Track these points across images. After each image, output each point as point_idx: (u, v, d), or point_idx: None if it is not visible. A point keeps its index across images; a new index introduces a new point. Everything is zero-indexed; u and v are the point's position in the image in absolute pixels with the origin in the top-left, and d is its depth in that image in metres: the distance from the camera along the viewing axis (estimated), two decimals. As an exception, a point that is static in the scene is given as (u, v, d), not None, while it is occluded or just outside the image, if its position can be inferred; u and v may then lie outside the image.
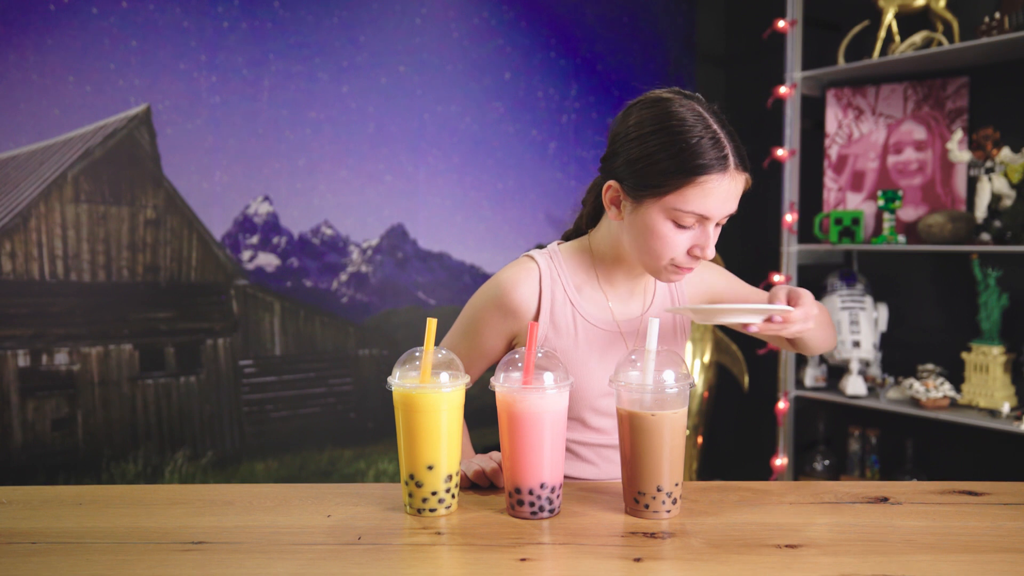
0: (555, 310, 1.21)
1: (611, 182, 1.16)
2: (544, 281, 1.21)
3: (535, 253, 1.25)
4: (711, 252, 1.12)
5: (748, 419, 3.09)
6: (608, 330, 1.23)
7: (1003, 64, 2.44)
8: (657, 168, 1.09)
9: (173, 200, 2.28)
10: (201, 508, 1.03)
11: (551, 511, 0.99)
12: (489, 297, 1.23)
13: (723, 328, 3.00)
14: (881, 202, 2.60)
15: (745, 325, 1.09)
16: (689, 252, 1.12)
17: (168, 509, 1.02)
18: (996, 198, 2.34)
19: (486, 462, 1.12)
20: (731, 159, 1.09)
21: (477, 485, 1.12)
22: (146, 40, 2.21)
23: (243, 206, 2.40)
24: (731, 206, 1.11)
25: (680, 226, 1.11)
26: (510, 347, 1.26)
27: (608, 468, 1.27)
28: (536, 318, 1.21)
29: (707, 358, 2.93)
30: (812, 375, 2.75)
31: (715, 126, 1.10)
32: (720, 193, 1.08)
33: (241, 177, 2.38)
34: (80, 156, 2.13)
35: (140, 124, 2.21)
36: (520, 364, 0.99)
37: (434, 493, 0.99)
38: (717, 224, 1.13)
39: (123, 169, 2.19)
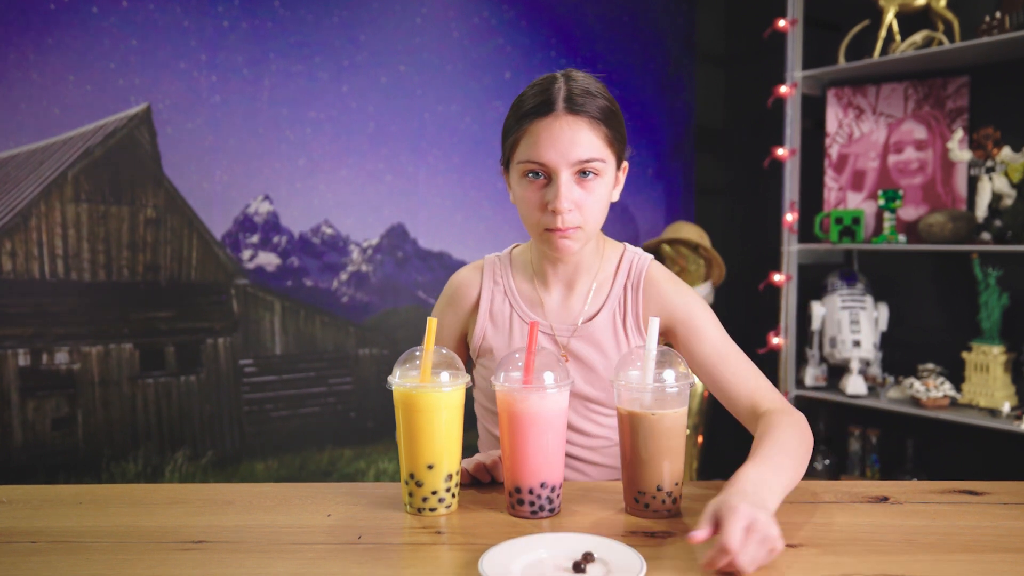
0: (495, 307, 1.25)
1: (501, 166, 1.21)
2: (486, 278, 1.26)
3: (491, 254, 1.30)
4: (561, 207, 1.08)
5: (748, 419, 3.08)
6: (544, 332, 1.22)
7: (1003, 63, 2.44)
8: (506, 129, 1.16)
9: (173, 199, 2.28)
10: (201, 507, 1.03)
11: (551, 511, 0.99)
12: (441, 296, 1.31)
13: (724, 327, 3.00)
14: (881, 201, 2.60)
15: None
16: (546, 209, 1.11)
17: (168, 508, 1.02)
18: (996, 197, 2.33)
19: (485, 456, 1.13)
20: (558, 103, 1.09)
21: (478, 481, 1.12)
22: (146, 39, 2.21)
23: (243, 205, 2.40)
24: (569, 153, 1.08)
25: (532, 181, 1.11)
26: (464, 344, 1.30)
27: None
28: (475, 312, 1.26)
29: (707, 357, 2.92)
30: (812, 374, 2.75)
31: (555, 82, 1.11)
32: (547, 136, 1.08)
33: (241, 176, 2.38)
34: (80, 155, 2.13)
35: (140, 123, 2.21)
36: (520, 364, 0.99)
37: (434, 492, 0.99)
38: (587, 174, 1.09)
39: (123, 168, 2.19)
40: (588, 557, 0.83)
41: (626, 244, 1.28)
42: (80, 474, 2.16)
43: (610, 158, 1.13)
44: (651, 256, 1.27)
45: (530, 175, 1.11)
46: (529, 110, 1.11)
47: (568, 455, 1.23)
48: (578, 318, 1.22)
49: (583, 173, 1.10)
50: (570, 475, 1.25)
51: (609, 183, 1.14)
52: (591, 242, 1.20)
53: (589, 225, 1.13)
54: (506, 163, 1.18)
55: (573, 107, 1.09)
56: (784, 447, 1.01)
